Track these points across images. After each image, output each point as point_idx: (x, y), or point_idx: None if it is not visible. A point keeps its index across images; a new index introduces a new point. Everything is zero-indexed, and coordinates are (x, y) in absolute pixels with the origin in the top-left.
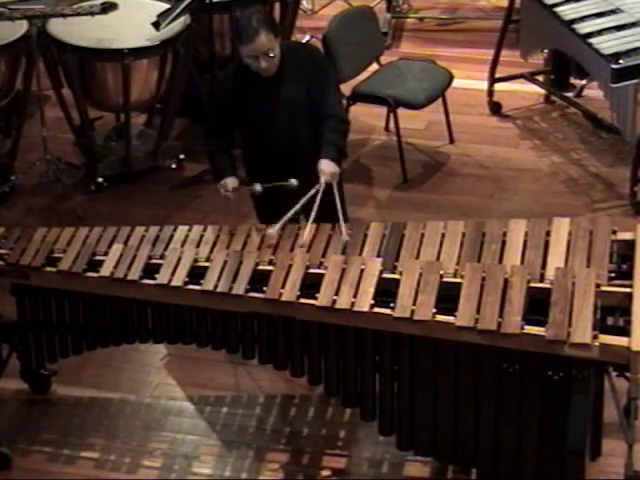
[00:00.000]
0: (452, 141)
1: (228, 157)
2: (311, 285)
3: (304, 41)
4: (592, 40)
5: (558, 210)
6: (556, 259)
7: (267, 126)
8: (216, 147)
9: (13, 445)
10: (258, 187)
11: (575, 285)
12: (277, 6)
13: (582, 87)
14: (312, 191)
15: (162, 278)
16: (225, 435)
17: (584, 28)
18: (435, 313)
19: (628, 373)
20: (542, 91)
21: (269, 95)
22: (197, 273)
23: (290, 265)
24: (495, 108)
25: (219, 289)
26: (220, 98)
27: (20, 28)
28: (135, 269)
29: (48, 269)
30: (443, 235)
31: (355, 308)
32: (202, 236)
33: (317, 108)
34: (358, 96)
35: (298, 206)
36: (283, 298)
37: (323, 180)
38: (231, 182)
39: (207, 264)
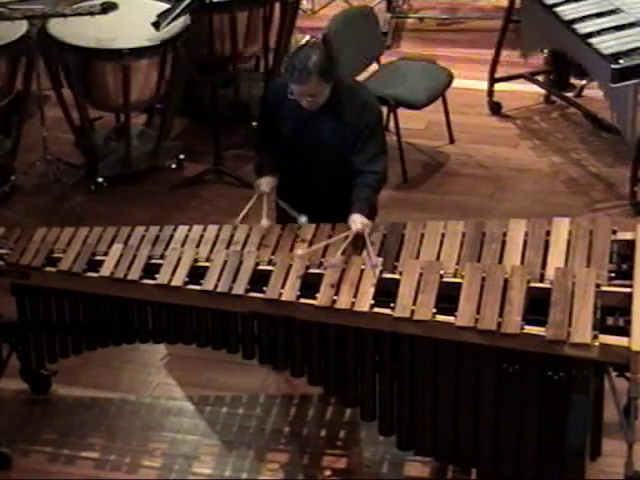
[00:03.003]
0: (452, 141)
1: (271, 155)
2: (311, 285)
3: (304, 41)
4: (592, 40)
5: (558, 210)
6: (556, 259)
7: (296, 153)
8: (262, 144)
9: (13, 445)
10: (303, 219)
11: (575, 285)
12: (277, 6)
13: (582, 87)
14: (341, 235)
15: (162, 278)
16: (225, 435)
17: (584, 28)
18: (435, 313)
19: (628, 373)
20: (542, 91)
21: (306, 126)
22: (197, 273)
23: (290, 265)
24: (495, 108)
25: (219, 289)
26: (268, 103)
27: (20, 28)
28: (135, 269)
29: (48, 269)
30: (443, 235)
31: (355, 308)
32: (202, 236)
33: (356, 159)
34: None
35: (328, 241)
36: (283, 298)
37: (354, 228)
38: (266, 182)
39: (207, 264)
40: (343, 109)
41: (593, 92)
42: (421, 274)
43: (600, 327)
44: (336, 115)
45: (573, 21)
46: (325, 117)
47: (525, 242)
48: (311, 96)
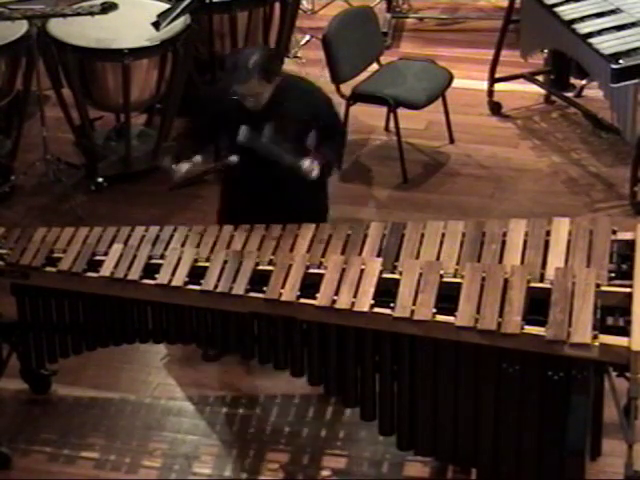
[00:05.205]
0: (452, 141)
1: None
2: (311, 285)
3: (305, 40)
4: (592, 40)
5: (558, 210)
6: (556, 259)
7: (249, 155)
8: (197, 149)
9: (13, 445)
10: (234, 158)
11: (575, 285)
12: (277, 6)
13: (582, 87)
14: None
15: (162, 278)
16: (225, 435)
17: (584, 28)
18: (435, 313)
19: (628, 373)
20: (542, 91)
21: (256, 127)
22: (197, 273)
23: (290, 265)
24: (495, 108)
25: (219, 289)
26: (208, 110)
27: (20, 28)
28: (135, 269)
29: (48, 269)
30: (443, 235)
31: (355, 308)
32: (202, 236)
33: (312, 146)
34: (358, 96)
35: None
36: (283, 298)
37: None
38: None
39: (207, 264)
40: (289, 104)
41: (593, 92)
42: (421, 274)
43: (600, 327)
44: (284, 114)
45: (573, 21)
46: (271, 117)
47: (525, 242)
48: (252, 96)
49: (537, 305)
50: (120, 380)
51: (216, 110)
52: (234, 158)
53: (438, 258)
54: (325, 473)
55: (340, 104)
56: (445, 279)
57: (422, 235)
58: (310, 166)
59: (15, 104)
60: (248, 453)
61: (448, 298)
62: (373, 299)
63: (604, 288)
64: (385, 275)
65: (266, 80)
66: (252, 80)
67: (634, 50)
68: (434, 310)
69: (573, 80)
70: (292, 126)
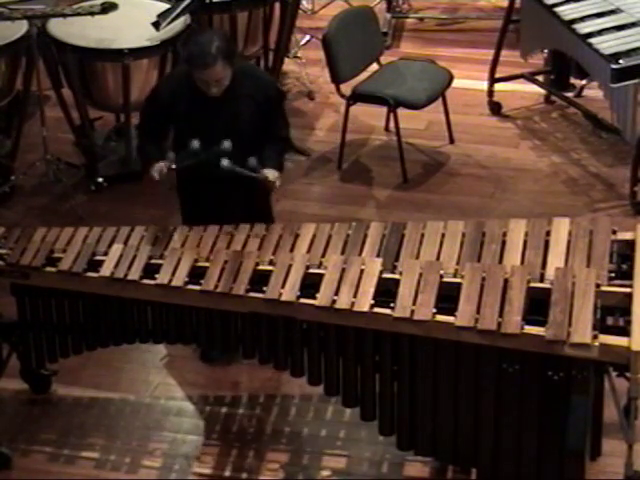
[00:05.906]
0: (452, 141)
1: (159, 147)
2: (311, 285)
3: (305, 40)
4: (592, 40)
5: (558, 210)
6: (556, 259)
7: (201, 139)
8: (147, 139)
9: (13, 445)
10: (227, 144)
11: (575, 285)
12: (277, 6)
13: (582, 87)
14: (253, 174)
15: (162, 278)
16: (225, 435)
17: (584, 28)
18: (435, 313)
19: (628, 373)
20: (542, 91)
21: (209, 112)
22: (197, 273)
23: (290, 265)
24: (495, 108)
25: (219, 289)
26: (161, 99)
27: (20, 28)
28: (135, 269)
29: (48, 269)
30: (443, 235)
31: (355, 308)
32: (202, 236)
33: (265, 133)
34: (358, 96)
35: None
36: (283, 298)
37: (270, 177)
38: (165, 165)
39: (207, 264)
40: (244, 91)
41: (593, 92)
42: (421, 274)
43: (600, 327)
44: (237, 97)
45: (573, 21)
46: (227, 102)
47: (525, 242)
48: (217, 81)
49: (537, 305)
50: (120, 380)
51: (171, 95)
52: (227, 144)
53: (438, 258)
54: (325, 473)
55: (340, 104)
56: (445, 279)
57: (422, 235)
58: (274, 177)
59: (15, 104)
60: (248, 453)
61: (448, 298)
62: (373, 299)
63: (604, 288)
64: (385, 275)
65: (229, 63)
66: (217, 65)
67: (634, 50)
68: (434, 310)
69: (573, 80)
70: (246, 108)
